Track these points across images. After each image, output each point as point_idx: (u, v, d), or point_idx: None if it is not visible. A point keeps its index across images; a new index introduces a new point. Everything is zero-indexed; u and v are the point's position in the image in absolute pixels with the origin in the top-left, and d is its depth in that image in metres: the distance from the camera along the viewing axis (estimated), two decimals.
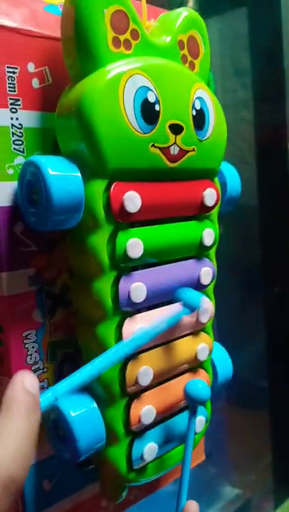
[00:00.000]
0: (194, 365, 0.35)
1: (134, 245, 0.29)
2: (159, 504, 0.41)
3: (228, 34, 0.80)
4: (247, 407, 0.83)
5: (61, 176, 0.26)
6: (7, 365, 0.29)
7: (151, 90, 0.29)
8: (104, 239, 0.28)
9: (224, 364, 0.38)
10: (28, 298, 0.29)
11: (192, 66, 0.33)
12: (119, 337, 0.29)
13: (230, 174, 0.38)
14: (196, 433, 0.34)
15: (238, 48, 0.79)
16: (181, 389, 0.32)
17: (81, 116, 0.27)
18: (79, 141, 0.28)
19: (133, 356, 0.30)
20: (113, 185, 0.28)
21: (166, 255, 0.32)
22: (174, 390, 0.33)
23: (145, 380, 0.30)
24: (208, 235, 0.34)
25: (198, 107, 0.32)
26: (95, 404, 0.29)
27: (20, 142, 0.29)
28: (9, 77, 0.28)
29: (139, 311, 0.31)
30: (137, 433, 0.31)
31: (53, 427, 0.29)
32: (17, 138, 0.28)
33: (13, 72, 0.28)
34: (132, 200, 0.29)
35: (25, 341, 0.29)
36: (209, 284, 0.35)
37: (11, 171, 0.28)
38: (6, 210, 0.28)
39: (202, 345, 0.34)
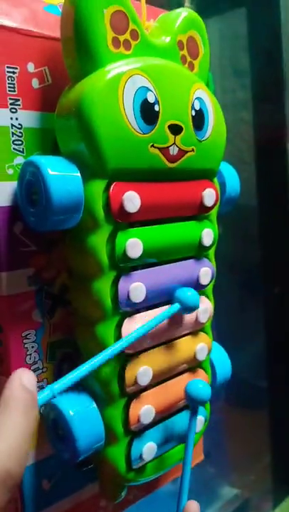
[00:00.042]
0: (193, 365, 0.35)
1: (134, 245, 0.29)
2: (158, 504, 0.41)
3: (227, 34, 0.80)
4: (246, 407, 0.83)
5: (61, 176, 0.27)
6: (6, 365, 0.29)
7: (151, 91, 0.29)
8: (103, 239, 0.28)
9: (223, 364, 0.38)
10: (27, 298, 0.29)
11: (191, 66, 0.33)
12: (118, 337, 0.29)
13: (230, 174, 0.38)
14: (195, 433, 0.34)
15: (237, 48, 0.79)
16: (181, 389, 0.32)
17: (81, 116, 0.27)
18: (78, 141, 0.28)
19: (132, 356, 0.30)
20: (112, 186, 0.28)
21: (165, 255, 0.32)
22: (173, 389, 0.33)
23: (144, 380, 0.30)
24: (208, 235, 0.34)
25: (197, 108, 0.32)
26: (95, 404, 0.29)
27: (19, 142, 0.29)
28: (9, 77, 0.28)
29: (138, 311, 0.31)
30: (136, 433, 0.31)
31: (52, 426, 0.29)
32: (17, 138, 0.28)
33: (13, 72, 0.28)
34: (132, 200, 0.29)
35: (24, 341, 0.29)
36: (208, 284, 0.35)
37: (10, 171, 0.28)
38: (5, 210, 0.28)
39: (201, 345, 0.34)
